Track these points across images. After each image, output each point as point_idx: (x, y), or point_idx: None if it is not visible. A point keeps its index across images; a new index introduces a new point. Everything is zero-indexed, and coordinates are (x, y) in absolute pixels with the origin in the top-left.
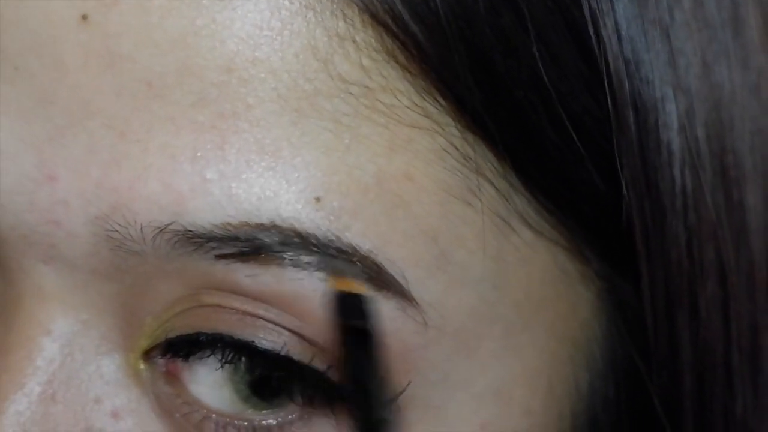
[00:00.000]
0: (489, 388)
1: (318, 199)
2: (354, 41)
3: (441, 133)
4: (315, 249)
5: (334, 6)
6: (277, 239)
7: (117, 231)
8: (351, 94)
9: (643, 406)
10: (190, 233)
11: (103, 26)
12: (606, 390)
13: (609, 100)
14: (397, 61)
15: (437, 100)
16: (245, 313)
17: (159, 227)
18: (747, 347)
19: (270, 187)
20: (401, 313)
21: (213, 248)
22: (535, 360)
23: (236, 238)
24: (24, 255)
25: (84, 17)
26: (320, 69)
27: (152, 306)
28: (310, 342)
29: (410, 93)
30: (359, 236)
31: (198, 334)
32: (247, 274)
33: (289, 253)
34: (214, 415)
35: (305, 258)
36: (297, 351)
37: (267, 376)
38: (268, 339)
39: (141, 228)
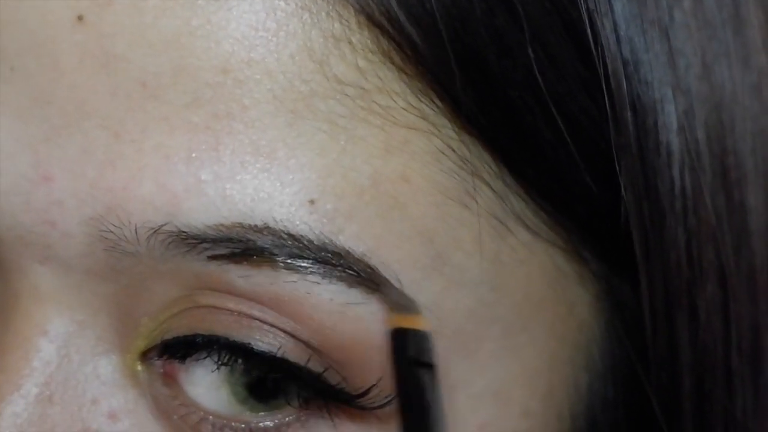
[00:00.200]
0: (487, 389)
1: (312, 202)
2: (350, 42)
3: (437, 134)
4: (308, 252)
5: (330, 7)
6: (270, 241)
7: (111, 232)
8: (347, 95)
9: (642, 407)
10: (184, 234)
11: (99, 27)
12: (605, 391)
13: (607, 101)
14: (392, 63)
15: (433, 102)
16: (240, 314)
17: (153, 228)
18: (747, 349)
19: (264, 188)
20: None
21: (206, 249)
22: (533, 361)
23: (229, 240)
24: (20, 255)
25: (79, 18)
26: (316, 70)
27: (148, 307)
28: (306, 344)
29: (406, 94)
30: (353, 239)
31: (194, 336)
32: (240, 275)
33: (282, 256)
34: (211, 416)
35: (299, 261)
36: (293, 353)
37: (264, 378)
38: (264, 341)
39: (135, 229)
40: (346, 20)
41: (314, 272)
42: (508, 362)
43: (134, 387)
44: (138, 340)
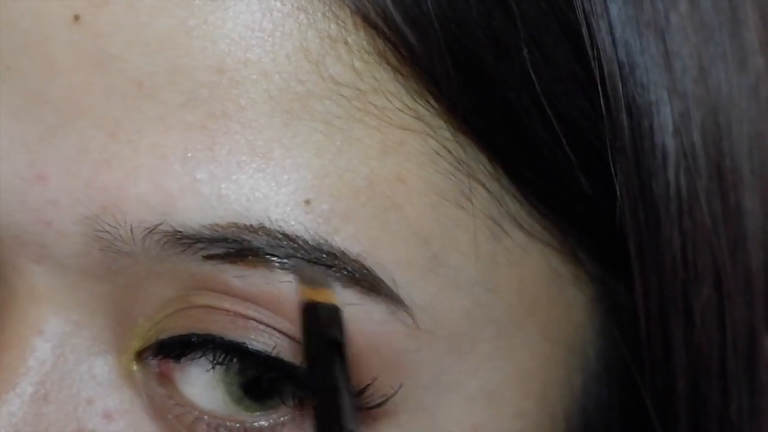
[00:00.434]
0: (481, 390)
1: (308, 202)
2: (346, 43)
3: (433, 135)
4: (304, 252)
5: (326, 8)
6: (265, 241)
7: (107, 231)
8: (343, 96)
9: (636, 408)
10: (179, 234)
11: (94, 26)
12: (600, 392)
13: (602, 103)
14: (388, 63)
15: (429, 103)
16: (236, 314)
17: (148, 228)
18: (743, 352)
19: (260, 188)
20: (391, 317)
21: (201, 249)
22: (528, 362)
23: (224, 239)
24: (16, 255)
25: (76, 17)
26: (312, 71)
27: (144, 307)
28: (299, 343)
29: (402, 95)
30: (349, 239)
31: (190, 335)
32: (235, 275)
33: (277, 256)
34: (206, 416)
35: (294, 261)
36: (288, 352)
37: (259, 378)
38: (259, 340)
39: (131, 228)
40: (342, 21)
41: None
42: (503, 363)
43: (130, 387)
44: (133, 340)
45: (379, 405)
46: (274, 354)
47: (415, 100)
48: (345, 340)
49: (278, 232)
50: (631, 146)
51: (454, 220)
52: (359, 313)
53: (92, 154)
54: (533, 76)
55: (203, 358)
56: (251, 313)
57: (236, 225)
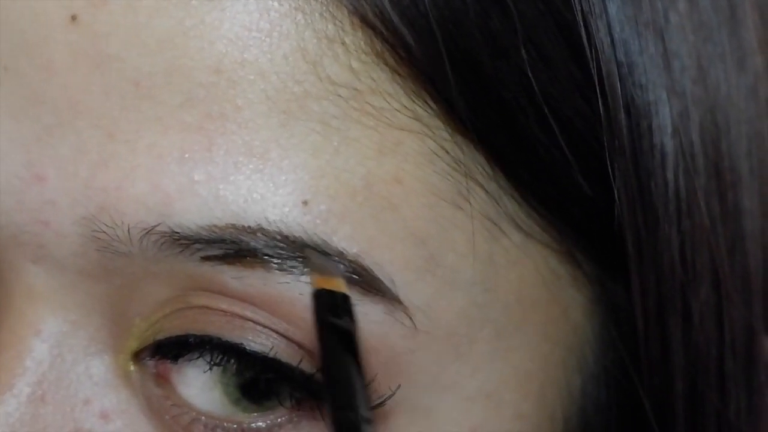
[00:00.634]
0: (479, 391)
1: (305, 203)
2: (343, 43)
3: (431, 135)
4: (301, 253)
5: (324, 8)
6: (262, 242)
7: (104, 232)
8: (340, 96)
9: (635, 409)
10: (177, 234)
11: (92, 26)
12: (598, 393)
13: (601, 103)
14: (386, 64)
15: (427, 103)
16: (233, 314)
17: (146, 228)
18: (741, 352)
19: (257, 189)
20: (389, 317)
21: (198, 250)
22: (526, 363)
23: (222, 240)
24: (14, 255)
25: (73, 17)
26: (309, 71)
27: (141, 307)
28: (298, 345)
29: (399, 96)
30: (346, 240)
31: (187, 336)
32: (233, 276)
33: (274, 257)
34: (203, 417)
35: (291, 262)
36: (285, 353)
37: (256, 379)
38: (257, 341)
39: (128, 229)
40: (340, 21)
41: (307, 274)
42: (501, 364)
43: (126, 387)
44: (130, 341)
45: (377, 406)
46: (271, 355)
47: (413, 101)
48: (356, 329)
49: (276, 233)
50: (630, 146)
51: (452, 220)
52: (357, 314)
53: (90, 154)
54: (531, 76)
55: (200, 358)
56: (248, 314)
57: (234, 226)
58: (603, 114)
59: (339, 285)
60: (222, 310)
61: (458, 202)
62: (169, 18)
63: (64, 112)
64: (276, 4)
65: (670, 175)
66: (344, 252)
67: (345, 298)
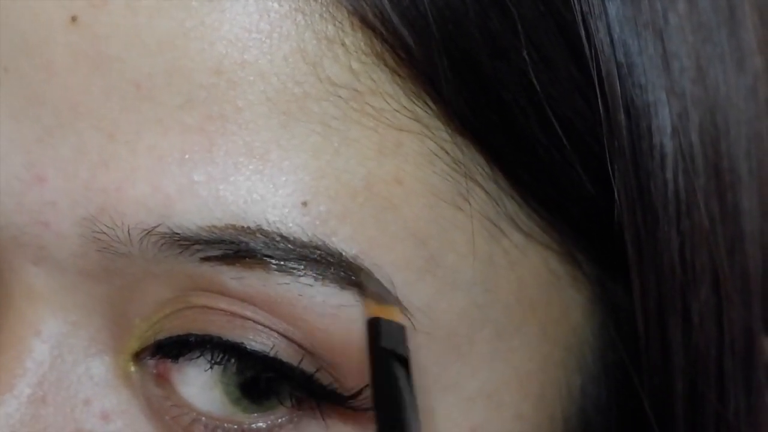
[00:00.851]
0: (479, 391)
1: (305, 203)
2: (343, 44)
3: (430, 136)
4: (301, 254)
5: (323, 9)
6: (262, 243)
7: (104, 233)
8: (340, 97)
9: (635, 409)
10: (177, 235)
11: (92, 27)
12: (598, 393)
13: (600, 103)
14: (386, 65)
15: (427, 104)
16: (233, 314)
17: (146, 229)
18: (741, 353)
19: (257, 190)
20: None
21: (198, 250)
22: (526, 363)
23: (221, 241)
24: (14, 256)
25: (73, 19)
26: (309, 72)
27: (141, 308)
28: (298, 345)
29: (399, 96)
30: (346, 241)
31: (188, 335)
32: (233, 277)
33: (274, 258)
34: (203, 417)
35: (291, 263)
36: (286, 353)
37: (256, 379)
38: (257, 340)
39: (128, 230)
40: (340, 22)
41: (307, 274)
42: (501, 365)
43: (127, 387)
44: (131, 341)
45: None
46: (272, 354)
47: (413, 102)
48: (410, 358)
49: (276, 233)
50: (630, 147)
51: (452, 221)
52: (357, 315)
53: (90, 155)
54: (530, 77)
55: (201, 357)
56: (248, 313)
57: (234, 227)
58: (603, 114)
59: (394, 314)
60: (222, 310)
61: (458, 203)
62: (169, 19)
63: (64, 113)
64: (276, 5)
65: (669, 176)
66: (344, 253)
67: (401, 329)
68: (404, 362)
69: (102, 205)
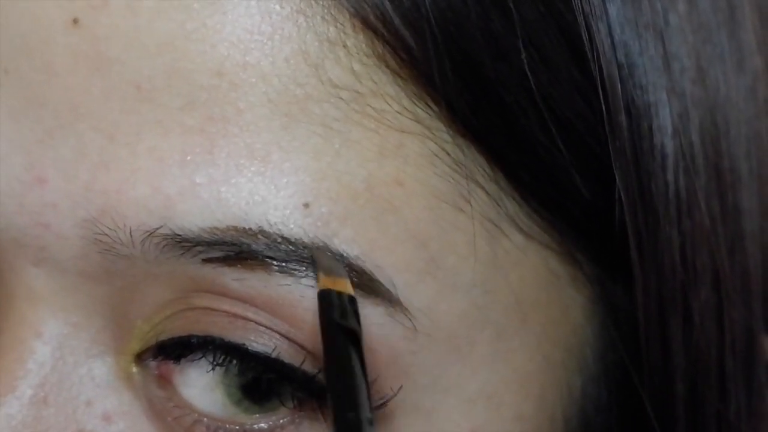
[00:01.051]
0: (480, 392)
1: (307, 205)
2: (345, 46)
3: (432, 137)
4: (303, 255)
5: (325, 11)
6: (264, 245)
7: (106, 234)
8: (341, 98)
9: (636, 410)
10: (179, 237)
11: (93, 29)
12: (599, 394)
13: (602, 104)
14: (387, 66)
15: (428, 105)
16: (235, 315)
17: (148, 231)
18: (741, 353)
19: (259, 192)
20: (390, 319)
21: (200, 252)
22: (526, 364)
23: (223, 243)
24: (15, 257)
25: (74, 20)
26: (311, 74)
27: (143, 309)
28: (300, 346)
29: (401, 98)
30: (347, 242)
31: (189, 337)
32: (234, 278)
33: (275, 259)
34: (205, 419)
35: (293, 264)
36: (287, 354)
37: (258, 379)
38: (259, 342)
39: (130, 232)
40: (341, 24)
41: (308, 276)
42: (501, 365)
43: (129, 389)
44: (132, 342)
45: (379, 407)
46: (274, 355)
47: (414, 103)
48: (361, 330)
49: (277, 235)
50: (631, 147)
51: (453, 222)
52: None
53: (91, 156)
54: (531, 78)
55: (203, 359)
56: (250, 315)
57: (235, 228)
58: (604, 115)
59: (345, 286)
60: (224, 311)
61: (459, 204)
62: (169, 21)
63: (64, 115)
64: (278, 7)
65: (670, 176)
66: (345, 254)
67: (351, 300)
68: (354, 335)
69: (103, 207)
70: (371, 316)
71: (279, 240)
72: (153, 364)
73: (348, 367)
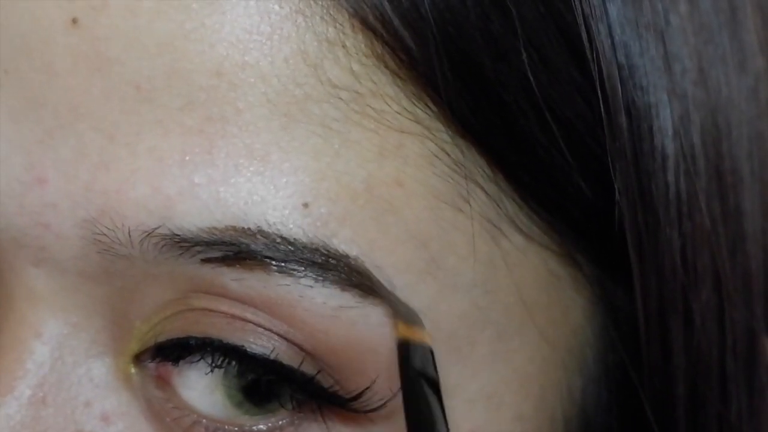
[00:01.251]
0: (480, 393)
1: (306, 205)
2: (344, 46)
3: (431, 138)
4: (301, 255)
5: (324, 11)
6: (263, 245)
7: (105, 234)
8: (341, 99)
9: (636, 411)
10: (178, 237)
11: (92, 29)
12: (599, 394)
13: (602, 105)
14: (387, 67)
15: (428, 106)
16: (234, 316)
17: (147, 231)
18: (743, 354)
19: (258, 192)
20: (389, 320)
21: (199, 252)
22: (526, 365)
23: (222, 243)
24: (15, 257)
25: (74, 21)
26: (310, 74)
27: (142, 309)
28: (299, 347)
29: (400, 98)
30: (347, 242)
31: (188, 338)
32: (233, 278)
33: (275, 259)
34: (204, 420)
35: (292, 264)
36: (286, 355)
37: (258, 381)
38: (258, 343)
39: (129, 232)
40: (341, 24)
41: (307, 276)
42: (501, 366)
43: (127, 389)
44: (131, 343)
45: (377, 408)
46: (272, 357)
47: (414, 103)
48: (439, 379)
49: (276, 235)
50: (631, 149)
51: (452, 222)
52: (357, 316)
53: (91, 157)
54: (531, 79)
55: (202, 361)
56: (249, 315)
57: (234, 228)
58: (604, 116)
59: (423, 335)
60: (223, 312)
61: (459, 205)
62: (169, 21)
63: (64, 115)
64: (276, 7)
65: (671, 177)
66: (344, 254)
67: (430, 352)
68: (435, 385)
69: (102, 207)
70: (371, 316)
71: (278, 240)
72: (152, 365)
73: (430, 417)
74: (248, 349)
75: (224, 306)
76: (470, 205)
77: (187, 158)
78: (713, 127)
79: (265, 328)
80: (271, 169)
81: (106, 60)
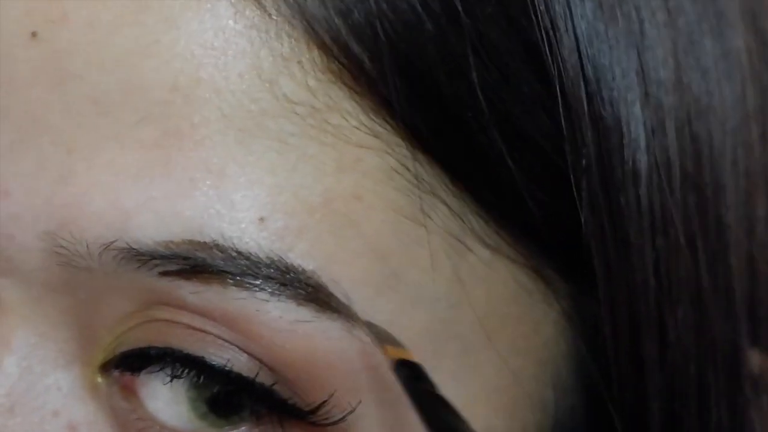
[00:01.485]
0: None
1: (262, 219)
2: (299, 62)
3: (390, 153)
4: (258, 269)
5: (279, 28)
6: (219, 258)
7: (65, 247)
8: (297, 114)
9: (612, 423)
10: (135, 250)
11: (52, 43)
12: (573, 406)
13: (564, 122)
14: (343, 83)
15: (386, 121)
16: (194, 328)
17: (105, 244)
18: (725, 369)
19: (214, 206)
20: (347, 334)
21: (156, 265)
22: (495, 378)
23: (179, 256)
24: None
25: (33, 34)
26: (265, 89)
27: (106, 320)
28: (258, 359)
29: (358, 113)
30: (303, 256)
31: (149, 348)
32: (191, 291)
33: (231, 273)
34: (167, 431)
35: (248, 278)
36: (246, 367)
37: (220, 393)
38: (218, 354)
39: (87, 245)
40: (296, 40)
41: (264, 289)
42: (470, 379)
43: (94, 399)
44: (97, 353)
45: (337, 422)
46: (230, 368)
47: (372, 119)
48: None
49: (232, 249)
50: (598, 164)
51: (413, 237)
52: (314, 330)
53: (51, 170)
54: (490, 96)
55: (161, 371)
56: (209, 327)
57: (191, 242)
58: (566, 131)
59: (410, 354)
60: (184, 324)
61: (420, 219)
62: (125, 36)
63: (25, 128)
64: (231, 22)
65: (643, 192)
66: (300, 268)
67: (419, 367)
68: (439, 396)
69: (62, 220)
70: (328, 330)
71: (234, 254)
72: (116, 374)
73: (449, 426)
74: (208, 360)
75: (185, 318)
76: (432, 219)
77: (144, 172)
78: (691, 138)
79: (224, 340)
80: (227, 184)
81: (66, 74)
